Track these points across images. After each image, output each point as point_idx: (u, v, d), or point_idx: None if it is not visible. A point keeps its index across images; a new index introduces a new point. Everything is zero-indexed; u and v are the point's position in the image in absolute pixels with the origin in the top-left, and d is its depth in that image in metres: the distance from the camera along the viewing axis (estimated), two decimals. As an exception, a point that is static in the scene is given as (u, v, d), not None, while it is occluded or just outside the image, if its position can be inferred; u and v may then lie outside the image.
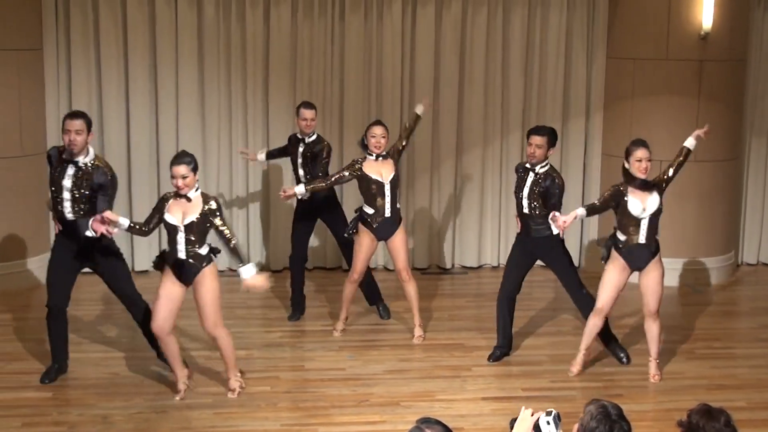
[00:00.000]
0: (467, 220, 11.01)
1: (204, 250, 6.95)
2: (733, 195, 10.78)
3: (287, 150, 9.06)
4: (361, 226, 8.34)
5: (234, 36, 10.42)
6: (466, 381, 7.61)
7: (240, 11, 10.39)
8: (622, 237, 7.49)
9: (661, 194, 7.50)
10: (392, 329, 8.88)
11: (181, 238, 6.83)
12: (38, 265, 9.98)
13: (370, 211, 8.27)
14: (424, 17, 10.64)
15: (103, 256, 7.32)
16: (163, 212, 6.89)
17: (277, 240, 10.69)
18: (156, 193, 10.38)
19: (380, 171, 8.23)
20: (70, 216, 7.16)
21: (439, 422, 3.76)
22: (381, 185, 8.21)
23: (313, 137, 8.79)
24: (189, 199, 6.82)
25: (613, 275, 7.54)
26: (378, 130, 8.22)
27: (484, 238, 11.09)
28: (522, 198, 7.79)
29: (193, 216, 6.81)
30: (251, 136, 10.58)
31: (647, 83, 10.30)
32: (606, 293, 7.56)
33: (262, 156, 9.37)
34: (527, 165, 7.82)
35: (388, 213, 8.28)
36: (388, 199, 8.25)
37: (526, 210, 7.79)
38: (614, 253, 7.55)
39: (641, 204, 7.40)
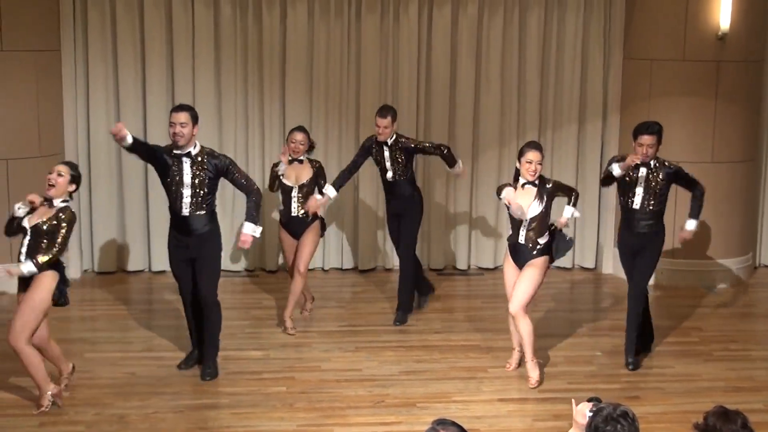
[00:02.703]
0: (483, 221, 11.00)
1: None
2: (750, 196, 10.74)
3: (363, 157, 9.11)
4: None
5: (251, 36, 10.44)
6: (482, 382, 7.61)
7: (257, 12, 10.41)
8: (509, 234, 7.63)
9: (544, 201, 7.42)
10: (408, 330, 8.88)
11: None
12: (56, 265, 10.01)
13: (280, 207, 8.74)
14: (440, 18, 10.63)
15: (206, 246, 7.42)
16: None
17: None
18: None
19: (295, 175, 8.60)
20: (186, 212, 7.30)
21: (454, 423, 3.76)
22: (290, 189, 8.58)
23: (393, 138, 8.89)
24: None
25: (509, 271, 7.59)
26: (298, 136, 8.52)
27: (501, 239, 11.06)
28: (635, 195, 7.79)
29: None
30: (267, 136, 10.60)
31: (664, 84, 10.26)
32: (510, 291, 7.58)
33: (332, 191, 8.84)
34: (638, 161, 7.74)
35: (294, 213, 8.63)
36: (294, 201, 8.60)
37: (638, 206, 7.83)
38: (507, 250, 7.67)
39: (514, 199, 7.44)
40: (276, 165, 8.77)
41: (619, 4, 10.67)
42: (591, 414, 3.97)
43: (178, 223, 7.39)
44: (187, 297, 7.63)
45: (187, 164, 7.27)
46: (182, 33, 10.36)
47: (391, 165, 8.90)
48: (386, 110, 8.88)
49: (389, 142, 8.85)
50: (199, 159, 7.32)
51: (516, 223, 7.48)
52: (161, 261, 10.30)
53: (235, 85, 10.51)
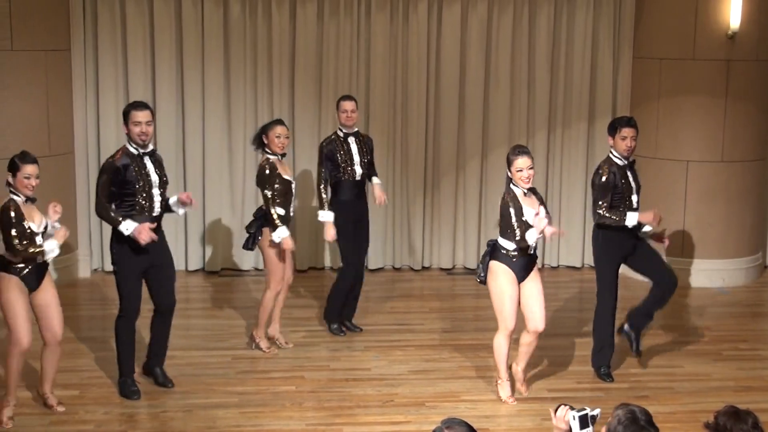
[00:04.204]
0: (492, 220, 10.98)
1: None
2: (760, 195, 10.70)
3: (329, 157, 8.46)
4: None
5: (260, 35, 10.45)
6: (490, 381, 7.59)
7: (266, 10, 10.42)
8: (511, 246, 6.99)
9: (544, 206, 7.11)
10: (417, 330, 8.88)
11: None
12: (64, 265, 10.05)
13: (282, 212, 7.90)
14: (449, 16, 10.63)
15: (167, 248, 7.28)
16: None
17: (303, 240, 10.70)
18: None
19: (286, 170, 8.01)
20: (157, 212, 7.04)
21: (463, 422, 3.76)
22: (290, 184, 7.98)
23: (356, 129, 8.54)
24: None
25: (510, 289, 7.03)
26: (284, 130, 7.91)
27: (510, 239, 11.07)
28: (634, 193, 7.48)
29: None
30: (277, 136, 10.61)
31: (674, 83, 10.24)
32: (512, 311, 7.05)
33: (329, 216, 8.36)
34: (620, 161, 7.45)
35: (292, 213, 8.10)
36: (293, 198, 8.06)
37: (636, 205, 7.52)
38: (501, 266, 7.02)
39: (533, 210, 6.95)
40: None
41: (628, 3, 10.66)
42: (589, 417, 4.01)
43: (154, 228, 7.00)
44: (137, 315, 7.17)
45: (149, 162, 7.00)
46: (192, 32, 10.38)
47: (360, 161, 8.46)
48: (350, 96, 8.64)
49: (360, 133, 8.51)
50: (158, 157, 7.13)
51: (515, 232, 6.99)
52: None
53: (244, 84, 10.52)
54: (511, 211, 6.93)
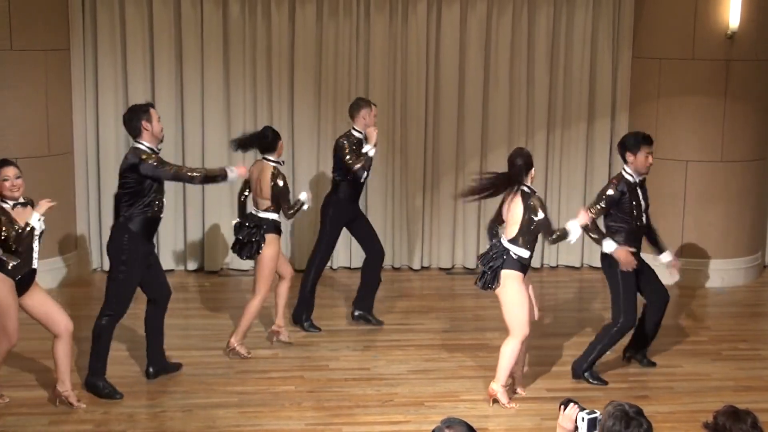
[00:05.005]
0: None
1: None
2: (759, 195, 10.70)
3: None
4: (274, 235, 7.92)
5: (259, 36, 10.45)
6: (490, 381, 7.59)
7: (265, 11, 10.42)
8: (526, 254, 7.01)
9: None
10: (417, 329, 8.88)
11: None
12: (65, 264, 10.05)
13: (275, 216, 7.95)
14: (449, 17, 10.63)
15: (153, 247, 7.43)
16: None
17: (302, 240, 10.70)
18: (181, 193, 10.44)
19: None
20: (163, 213, 7.18)
21: (463, 422, 3.77)
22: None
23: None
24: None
25: (526, 295, 7.08)
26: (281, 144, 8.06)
27: (509, 239, 11.07)
28: (643, 212, 7.48)
29: None
30: (276, 136, 10.61)
31: (673, 83, 10.25)
32: (528, 316, 7.08)
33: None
34: (632, 179, 7.42)
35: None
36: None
37: (645, 221, 7.54)
38: (516, 273, 7.00)
39: None
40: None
41: (628, 3, 10.66)
42: (586, 418, 4.00)
43: (153, 229, 7.15)
44: (122, 317, 7.29)
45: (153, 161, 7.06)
46: (191, 33, 10.38)
47: (366, 162, 8.55)
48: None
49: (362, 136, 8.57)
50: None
51: (534, 241, 7.05)
52: (168, 259, 10.31)
53: (243, 85, 10.52)
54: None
